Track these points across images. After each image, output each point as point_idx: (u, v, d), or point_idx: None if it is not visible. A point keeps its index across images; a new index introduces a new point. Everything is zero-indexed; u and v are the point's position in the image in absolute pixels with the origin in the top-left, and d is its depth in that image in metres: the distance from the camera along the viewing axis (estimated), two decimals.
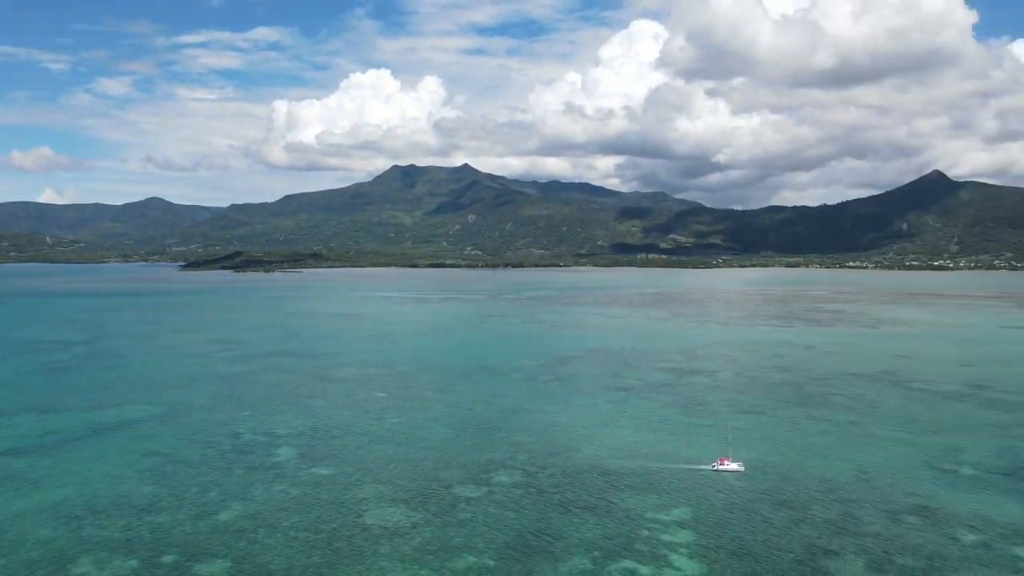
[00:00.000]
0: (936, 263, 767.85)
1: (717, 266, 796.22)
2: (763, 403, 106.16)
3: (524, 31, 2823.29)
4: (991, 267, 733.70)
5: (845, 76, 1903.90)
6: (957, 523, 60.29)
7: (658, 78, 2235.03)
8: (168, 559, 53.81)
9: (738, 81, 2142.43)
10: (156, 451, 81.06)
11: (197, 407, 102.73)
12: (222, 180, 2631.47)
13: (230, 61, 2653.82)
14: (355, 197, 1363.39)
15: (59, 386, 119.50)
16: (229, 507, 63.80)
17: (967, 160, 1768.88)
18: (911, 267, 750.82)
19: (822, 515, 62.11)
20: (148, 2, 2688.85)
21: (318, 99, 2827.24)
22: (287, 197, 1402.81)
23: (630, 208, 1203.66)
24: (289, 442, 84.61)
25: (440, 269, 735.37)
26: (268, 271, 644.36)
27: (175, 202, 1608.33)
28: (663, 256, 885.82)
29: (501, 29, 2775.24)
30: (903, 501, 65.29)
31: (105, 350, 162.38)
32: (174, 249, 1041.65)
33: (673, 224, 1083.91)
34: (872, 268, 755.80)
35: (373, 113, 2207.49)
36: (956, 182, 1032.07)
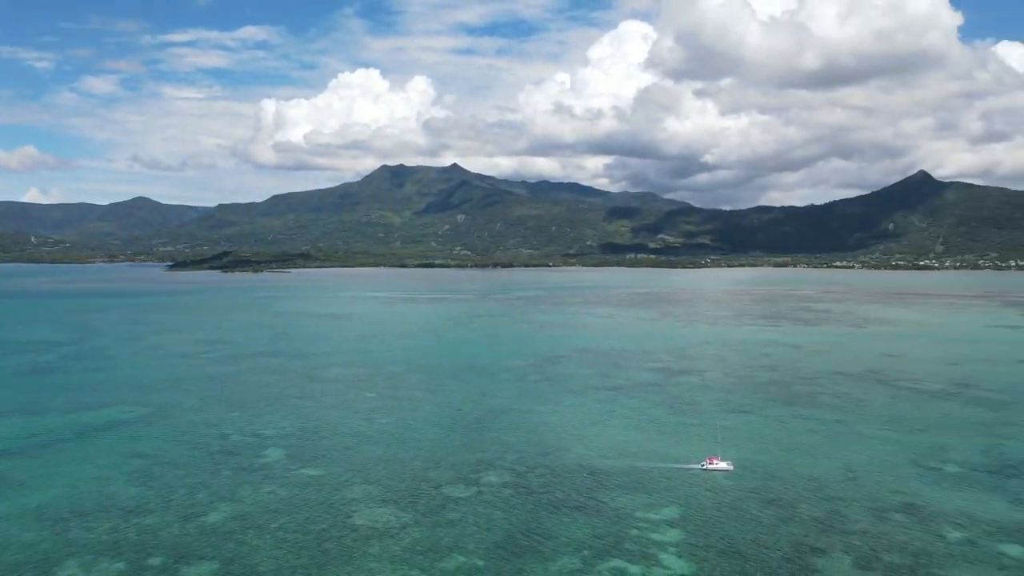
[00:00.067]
0: (922, 263, 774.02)
1: (706, 266, 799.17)
2: (751, 402, 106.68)
3: (513, 31, 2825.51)
4: (976, 267, 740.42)
5: (832, 77, 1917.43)
6: (943, 520, 60.82)
7: (647, 78, 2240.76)
8: (155, 561, 53.43)
9: (726, 82, 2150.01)
10: (143, 452, 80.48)
11: (185, 408, 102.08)
12: (210, 180, 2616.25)
13: (217, 60, 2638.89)
14: (344, 197, 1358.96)
15: (44, 387, 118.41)
16: (217, 508, 63.43)
17: (952, 161, 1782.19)
18: (897, 267, 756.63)
19: (810, 513, 62.49)
20: (134, 1, 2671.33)
21: (306, 98, 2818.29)
22: (275, 197, 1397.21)
23: (619, 208, 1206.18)
24: (277, 443, 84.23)
25: (429, 269, 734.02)
26: (256, 271, 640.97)
27: (162, 202, 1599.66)
28: (652, 256, 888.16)
29: (490, 29, 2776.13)
30: (889, 499, 65.80)
31: (91, 351, 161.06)
32: (161, 249, 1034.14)
33: (662, 224, 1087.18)
34: (859, 268, 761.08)
35: (362, 113, 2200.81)
36: (941, 182, 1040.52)
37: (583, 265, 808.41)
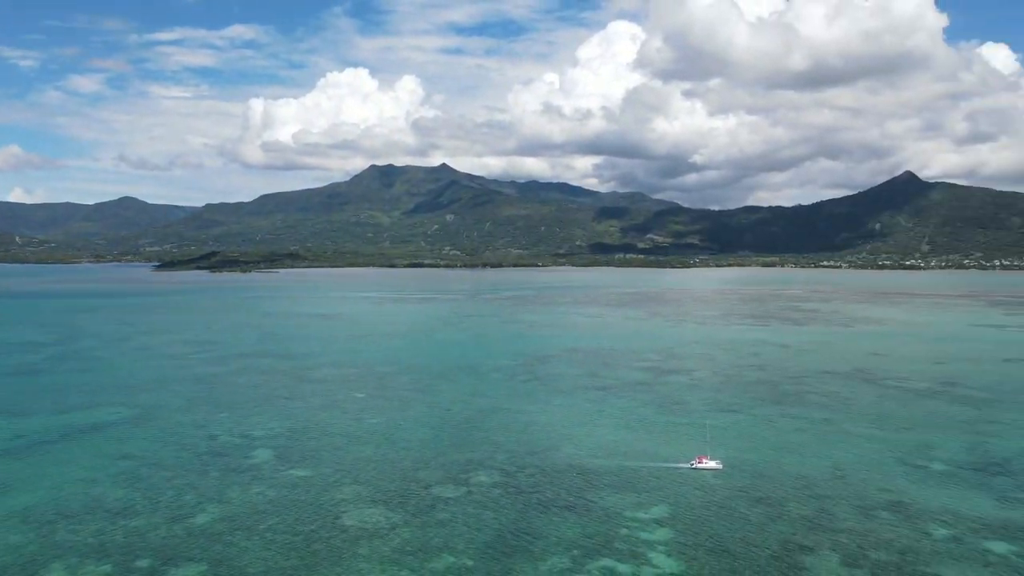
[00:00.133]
0: (908, 262, 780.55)
1: (694, 266, 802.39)
2: (740, 401, 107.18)
3: (502, 31, 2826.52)
4: (961, 266, 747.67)
5: (819, 78, 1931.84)
6: (929, 518, 61.33)
7: (636, 79, 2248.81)
8: (142, 563, 53.05)
9: (714, 82, 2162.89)
10: (130, 454, 79.88)
11: (172, 409, 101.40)
12: (197, 179, 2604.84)
13: (205, 59, 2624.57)
14: (332, 197, 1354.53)
15: (30, 389, 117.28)
16: (205, 510, 63.05)
17: (938, 161, 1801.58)
18: (883, 266, 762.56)
19: (798, 512, 62.86)
20: None
21: (295, 98, 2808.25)
22: (264, 197, 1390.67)
23: (608, 208, 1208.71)
24: (266, 444, 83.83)
25: (418, 269, 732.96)
26: (244, 271, 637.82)
27: (149, 201, 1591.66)
28: (641, 256, 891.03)
29: (479, 29, 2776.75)
30: (876, 497, 66.28)
31: (77, 352, 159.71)
32: (148, 249, 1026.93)
33: (651, 224, 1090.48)
34: (846, 268, 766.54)
35: (351, 112, 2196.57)
36: (927, 183, 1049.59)
37: (572, 265, 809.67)
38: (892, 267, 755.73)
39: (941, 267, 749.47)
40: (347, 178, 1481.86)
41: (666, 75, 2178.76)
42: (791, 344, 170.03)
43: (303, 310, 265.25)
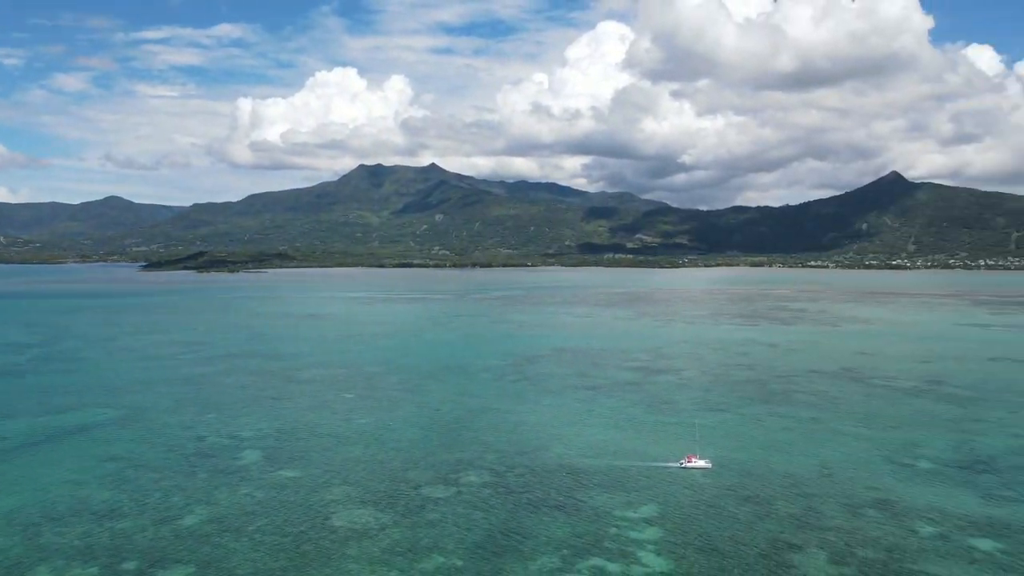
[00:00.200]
0: (894, 262, 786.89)
1: (683, 266, 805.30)
2: (729, 401, 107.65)
3: (491, 31, 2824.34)
4: (946, 266, 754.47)
5: (806, 79, 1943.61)
6: (915, 516, 61.82)
7: (624, 79, 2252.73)
8: (129, 566, 52.64)
9: (703, 83, 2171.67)
10: (116, 455, 79.25)
11: (159, 410, 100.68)
12: (184, 179, 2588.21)
13: (192, 58, 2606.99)
14: (321, 197, 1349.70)
15: (14, 390, 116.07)
16: (193, 511, 62.65)
17: (923, 162, 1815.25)
18: (870, 266, 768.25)
19: (786, 510, 63.21)
20: None
21: (283, 97, 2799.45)
22: (252, 196, 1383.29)
23: (597, 208, 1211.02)
24: (254, 444, 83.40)
25: (407, 269, 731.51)
26: (232, 271, 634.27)
27: (135, 201, 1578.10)
28: (630, 256, 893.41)
29: (468, 29, 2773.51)
30: (863, 495, 66.75)
31: (62, 353, 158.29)
32: (134, 249, 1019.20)
33: (639, 224, 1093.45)
34: (833, 267, 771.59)
35: (339, 112, 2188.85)
36: (913, 183, 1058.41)
37: (561, 265, 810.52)
38: (879, 267, 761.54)
39: (927, 267, 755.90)
40: (336, 178, 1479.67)
41: (655, 75, 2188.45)
42: (779, 343, 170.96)
43: (291, 310, 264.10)
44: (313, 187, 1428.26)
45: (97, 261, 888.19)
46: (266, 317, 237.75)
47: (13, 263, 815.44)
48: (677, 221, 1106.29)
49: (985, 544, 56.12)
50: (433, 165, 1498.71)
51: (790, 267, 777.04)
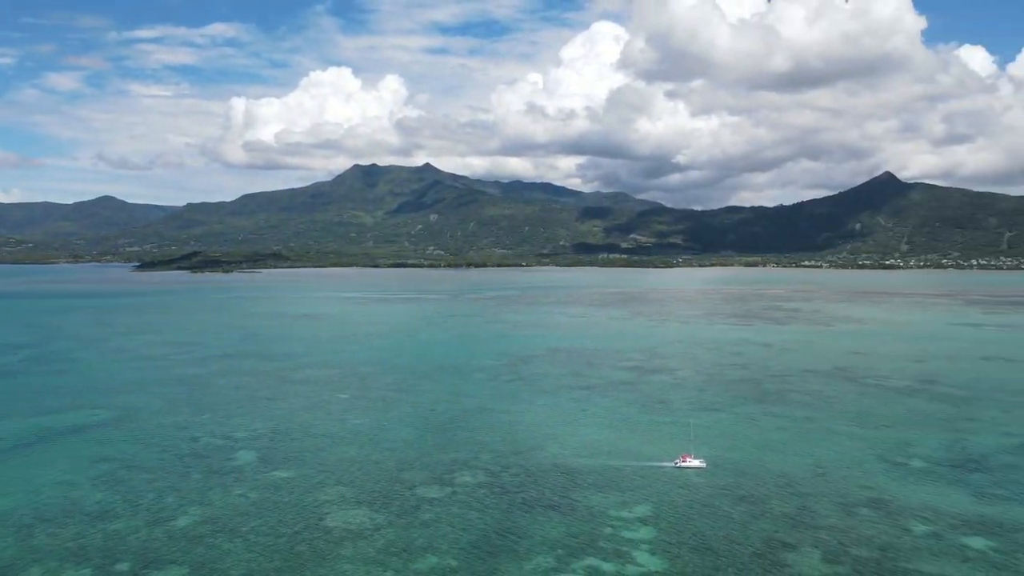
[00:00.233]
0: (887, 262, 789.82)
1: (677, 266, 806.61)
2: (723, 400, 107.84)
3: (486, 31, 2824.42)
4: (939, 266, 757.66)
5: (800, 79, 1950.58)
6: (908, 514, 62.05)
7: (619, 79, 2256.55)
8: (122, 567, 52.42)
9: (697, 83, 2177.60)
10: (109, 456, 78.90)
11: (152, 411, 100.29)
12: (178, 179, 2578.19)
13: (185, 57, 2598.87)
14: (316, 196, 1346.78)
15: (6, 391, 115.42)
16: (186, 512, 62.43)
17: (916, 162, 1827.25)
18: (864, 266, 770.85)
19: (780, 509, 63.36)
20: None
21: (277, 97, 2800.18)
22: (246, 196, 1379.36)
23: (591, 208, 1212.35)
24: (248, 445, 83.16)
25: (402, 269, 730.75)
26: (226, 272, 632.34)
27: (128, 201, 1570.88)
28: (624, 256, 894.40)
29: (463, 28, 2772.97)
30: (857, 494, 66.96)
31: (55, 353, 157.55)
32: (127, 249, 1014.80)
33: (634, 224, 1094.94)
34: (827, 267, 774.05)
35: (334, 112, 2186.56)
36: (906, 183, 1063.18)
37: (556, 265, 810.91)
38: (872, 267, 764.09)
39: (920, 267, 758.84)
40: (330, 178, 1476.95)
41: (649, 76, 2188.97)
42: (773, 343, 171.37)
43: (286, 310, 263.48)
44: (307, 187, 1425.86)
45: (90, 261, 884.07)
46: (260, 317, 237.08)
47: (5, 263, 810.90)
48: (671, 221, 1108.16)
49: (978, 542, 56.37)
50: (428, 165, 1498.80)
51: (784, 267, 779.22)
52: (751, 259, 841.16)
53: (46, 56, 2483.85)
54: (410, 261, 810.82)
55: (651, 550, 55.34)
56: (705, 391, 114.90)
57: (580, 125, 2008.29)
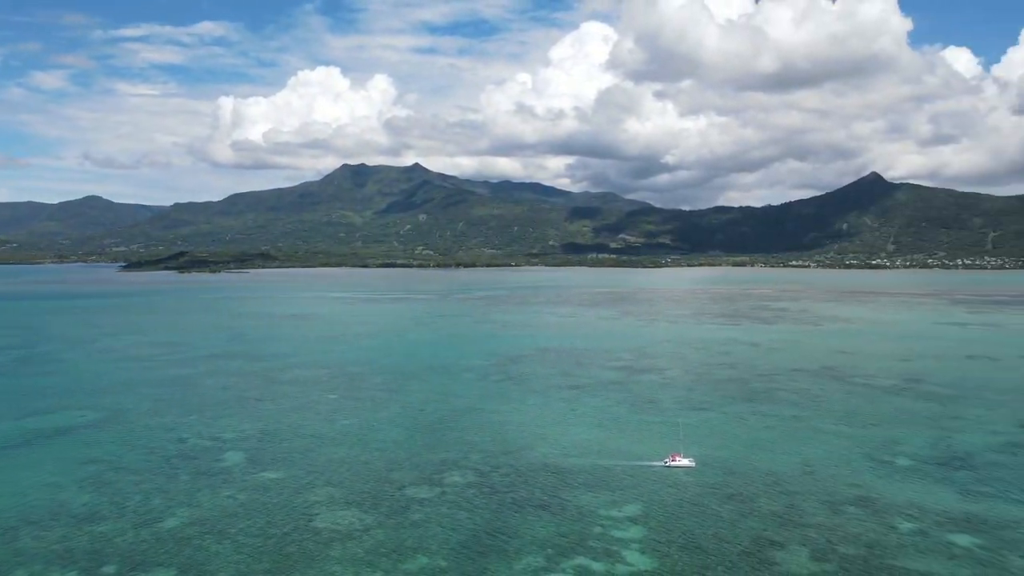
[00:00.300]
0: (874, 262, 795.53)
1: (666, 266, 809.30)
2: (712, 400, 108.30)
3: (475, 31, 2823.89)
4: (925, 266, 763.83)
5: (787, 80, 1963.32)
6: (895, 512, 62.55)
7: (608, 79, 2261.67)
8: (109, 569, 52.03)
9: (686, 83, 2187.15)
10: (96, 458, 78.28)
11: (139, 412, 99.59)
12: (165, 179, 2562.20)
13: (172, 56, 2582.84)
14: (304, 196, 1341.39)
15: None
16: (174, 514, 62.04)
17: (902, 162, 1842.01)
18: (850, 266, 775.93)
19: (768, 508, 63.71)
20: None
21: (265, 96, 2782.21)
22: (234, 196, 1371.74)
23: (580, 208, 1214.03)
24: (237, 446, 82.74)
25: (391, 269, 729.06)
26: (214, 272, 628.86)
27: (115, 201, 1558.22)
28: (613, 256, 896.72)
29: (452, 28, 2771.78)
30: (844, 492, 67.44)
31: (40, 355, 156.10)
32: (114, 249, 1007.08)
33: (623, 224, 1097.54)
34: (814, 267, 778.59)
35: (322, 111, 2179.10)
36: (892, 183, 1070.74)
37: (545, 265, 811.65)
38: (859, 266, 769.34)
39: (906, 266, 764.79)
40: (319, 177, 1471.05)
41: (638, 76, 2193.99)
42: (761, 343, 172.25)
43: (274, 311, 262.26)
44: (296, 187, 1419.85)
45: (76, 261, 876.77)
46: (248, 317, 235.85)
47: None
48: (660, 221, 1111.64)
49: (963, 540, 56.91)
50: (416, 165, 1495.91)
51: (772, 267, 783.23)
52: (739, 259, 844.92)
53: (32, 54, 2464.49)
54: (399, 261, 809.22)
55: (641, 549, 55.51)
56: (694, 391, 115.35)
57: (569, 125, 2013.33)
